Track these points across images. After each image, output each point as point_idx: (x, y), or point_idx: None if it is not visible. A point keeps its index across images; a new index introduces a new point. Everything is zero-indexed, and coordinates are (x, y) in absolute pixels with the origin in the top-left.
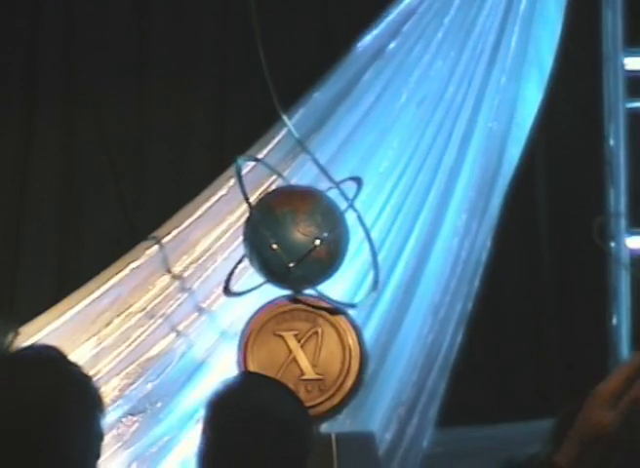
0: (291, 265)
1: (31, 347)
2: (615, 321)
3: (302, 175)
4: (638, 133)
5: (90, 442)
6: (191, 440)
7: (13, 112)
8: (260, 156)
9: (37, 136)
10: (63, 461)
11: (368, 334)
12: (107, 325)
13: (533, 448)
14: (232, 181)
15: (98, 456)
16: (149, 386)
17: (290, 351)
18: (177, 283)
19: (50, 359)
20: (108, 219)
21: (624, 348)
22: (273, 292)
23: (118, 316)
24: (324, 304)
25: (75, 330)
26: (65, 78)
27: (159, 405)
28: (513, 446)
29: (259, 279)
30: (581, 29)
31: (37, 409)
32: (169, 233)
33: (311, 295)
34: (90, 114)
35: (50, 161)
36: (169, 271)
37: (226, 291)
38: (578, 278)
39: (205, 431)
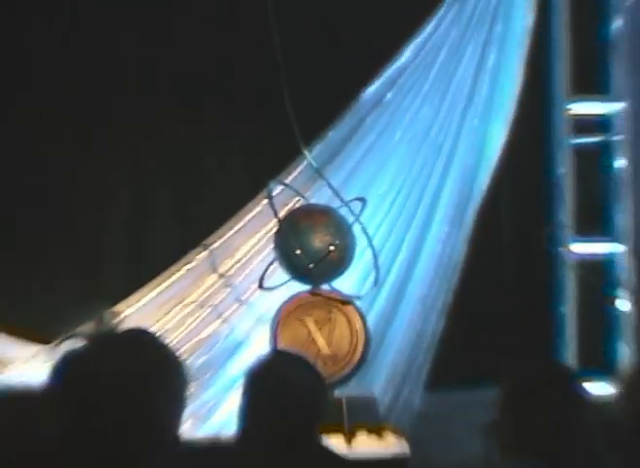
0: (311, 266)
1: (131, 329)
2: (562, 310)
3: (320, 196)
4: (580, 163)
5: (178, 410)
6: (233, 403)
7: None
8: (286, 181)
9: (112, 166)
10: (157, 427)
11: (370, 320)
12: (167, 313)
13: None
14: (265, 201)
15: (180, 424)
16: (200, 361)
17: (310, 333)
18: (222, 280)
19: (148, 339)
20: (173, 230)
21: (571, 330)
22: (297, 287)
23: (176, 306)
24: (336, 296)
25: (143, 316)
26: (131, 110)
27: (207, 375)
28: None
29: (286, 277)
30: (536, 79)
31: (138, 382)
32: (216, 241)
33: (327, 289)
34: (154, 144)
35: (124, 186)
36: (215, 271)
37: (261, 286)
38: (532, 275)
39: (244, 396)
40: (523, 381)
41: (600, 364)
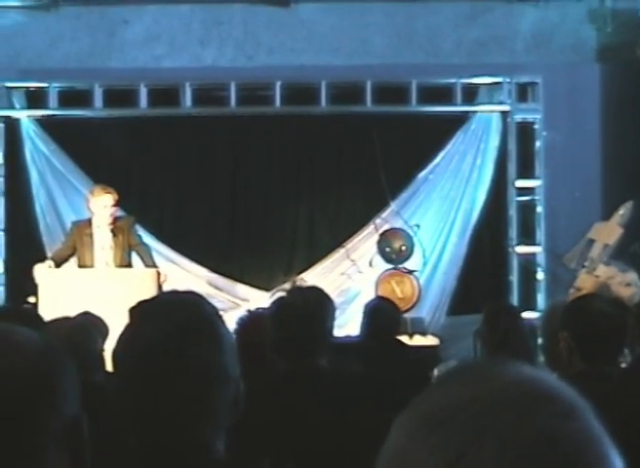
0: (393, 256)
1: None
2: (510, 278)
3: (397, 223)
4: (520, 208)
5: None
6: (355, 323)
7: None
8: (382, 216)
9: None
10: (325, 334)
11: (421, 281)
12: (326, 278)
13: None
14: (373, 225)
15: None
16: (339, 300)
17: (393, 287)
18: (351, 262)
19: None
20: (327, 237)
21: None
22: (387, 266)
23: (330, 274)
24: (405, 270)
25: (315, 280)
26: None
27: (343, 307)
28: None
29: (381, 261)
30: (499, 169)
31: (314, 308)
32: (349, 243)
33: (401, 267)
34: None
35: (304, 217)
36: (349, 258)
37: (370, 265)
38: (496, 260)
39: (364, 317)
40: (494, 307)
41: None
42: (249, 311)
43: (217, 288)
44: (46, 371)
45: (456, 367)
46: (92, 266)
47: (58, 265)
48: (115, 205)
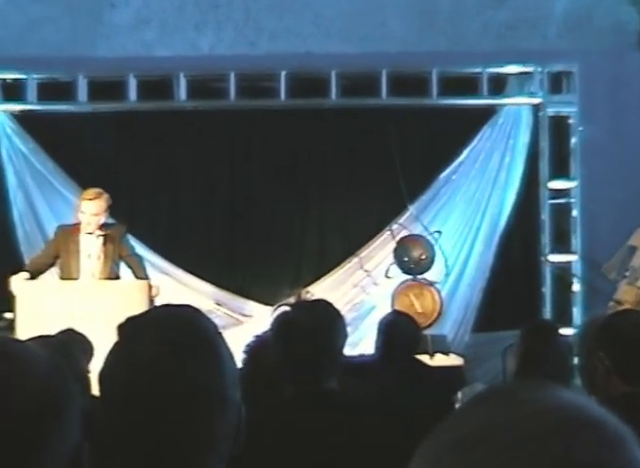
0: (412, 266)
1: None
2: (543, 290)
3: (416, 229)
4: (553, 212)
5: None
6: (370, 340)
7: None
8: (400, 221)
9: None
10: (334, 354)
11: (442, 294)
12: (337, 290)
13: None
14: (388, 232)
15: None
16: (352, 315)
17: (411, 301)
18: (365, 273)
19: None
20: (338, 244)
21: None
22: (404, 276)
23: (341, 286)
24: (425, 281)
25: (323, 292)
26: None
27: (356, 323)
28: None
29: (399, 271)
30: (530, 169)
31: (324, 329)
32: (362, 252)
33: (420, 278)
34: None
35: (313, 223)
36: (362, 268)
37: (386, 276)
38: (527, 271)
39: (379, 335)
40: (531, 325)
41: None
42: (256, 336)
43: (216, 302)
44: (55, 395)
45: (486, 389)
46: (76, 278)
47: (33, 276)
48: (107, 210)
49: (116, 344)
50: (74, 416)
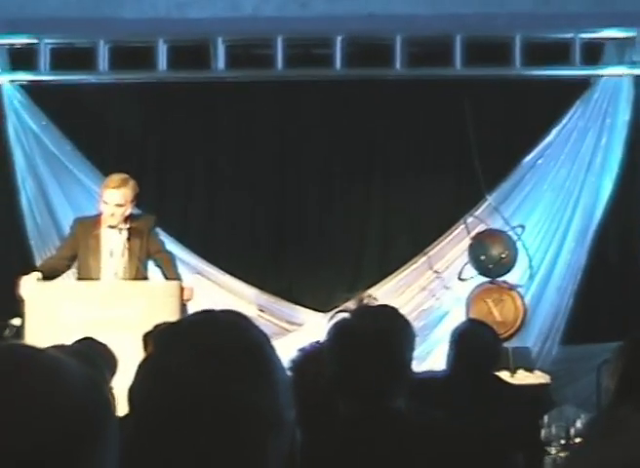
0: (490, 267)
1: (383, 306)
2: None
3: (496, 223)
4: None
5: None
6: (440, 352)
7: None
8: (476, 214)
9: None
10: (399, 365)
11: (526, 300)
12: (402, 294)
13: None
14: (462, 226)
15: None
16: (421, 324)
17: (489, 308)
18: (435, 274)
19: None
20: (404, 242)
21: None
22: (481, 279)
23: (407, 290)
24: (506, 285)
25: (386, 296)
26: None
27: (424, 333)
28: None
29: (474, 273)
30: (631, 153)
31: (385, 338)
32: (431, 250)
33: (500, 281)
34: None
35: (377, 212)
36: (431, 268)
37: (459, 278)
38: (627, 269)
39: (451, 347)
40: (633, 340)
41: None
42: (301, 350)
43: (259, 308)
44: (93, 414)
45: (602, 420)
46: (96, 278)
47: (49, 278)
48: (133, 200)
49: (148, 356)
50: (113, 440)
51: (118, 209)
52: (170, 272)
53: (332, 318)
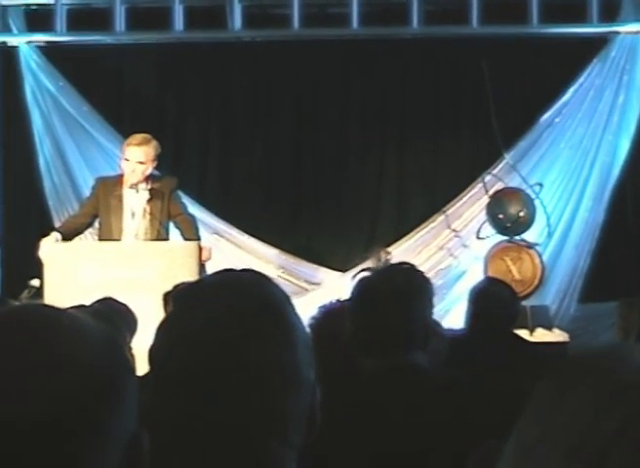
0: (508, 225)
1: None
2: None
3: (513, 181)
4: None
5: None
6: (459, 310)
7: None
8: (494, 172)
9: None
10: (419, 324)
11: (544, 258)
12: (419, 253)
13: None
14: (481, 184)
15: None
16: (439, 283)
17: (507, 266)
18: (453, 233)
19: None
20: (423, 201)
21: None
22: (499, 237)
23: (424, 249)
24: (524, 243)
25: (404, 255)
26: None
27: (442, 292)
28: None
29: (492, 231)
30: None
31: (405, 293)
32: (449, 209)
33: (518, 239)
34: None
35: (393, 175)
36: (449, 227)
37: (477, 236)
38: None
39: (470, 305)
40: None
41: None
42: (322, 307)
43: (278, 267)
44: (112, 373)
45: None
46: (117, 239)
47: (66, 238)
48: (154, 160)
49: (168, 316)
50: (132, 399)
51: (139, 166)
52: (189, 234)
53: (355, 276)
